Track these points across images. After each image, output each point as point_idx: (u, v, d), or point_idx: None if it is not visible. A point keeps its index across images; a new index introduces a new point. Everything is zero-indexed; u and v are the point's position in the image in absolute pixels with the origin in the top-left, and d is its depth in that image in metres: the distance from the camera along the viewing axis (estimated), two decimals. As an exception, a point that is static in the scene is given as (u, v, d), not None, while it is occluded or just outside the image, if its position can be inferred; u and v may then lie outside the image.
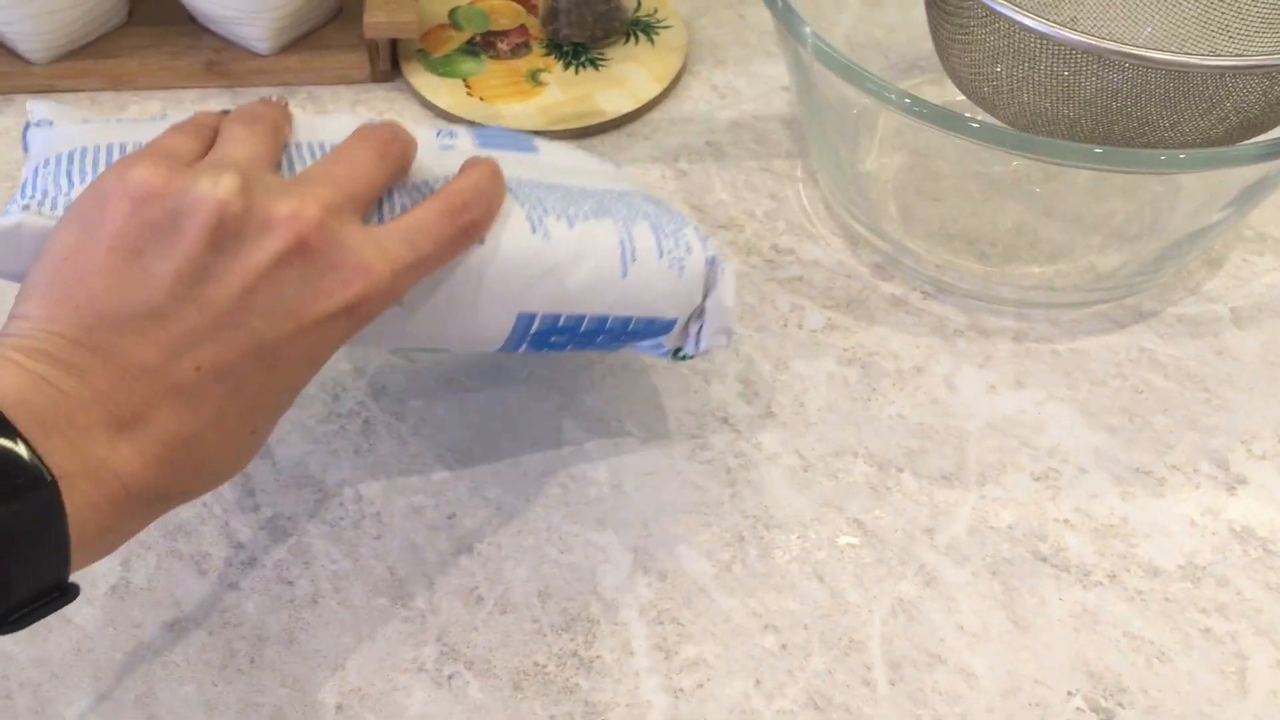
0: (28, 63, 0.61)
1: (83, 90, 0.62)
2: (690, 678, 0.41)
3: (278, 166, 0.37)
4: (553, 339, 0.41)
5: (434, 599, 0.43)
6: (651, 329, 0.42)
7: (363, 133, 0.39)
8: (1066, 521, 0.46)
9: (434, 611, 0.43)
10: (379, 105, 0.62)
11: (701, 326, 0.43)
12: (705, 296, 0.43)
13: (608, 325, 0.41)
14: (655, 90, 0.62)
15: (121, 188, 0.34)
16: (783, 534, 0.45)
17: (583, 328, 0.41)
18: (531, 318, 0.40)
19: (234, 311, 0.33)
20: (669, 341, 0.43)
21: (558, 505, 0.46)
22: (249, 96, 0.62)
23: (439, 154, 0.41)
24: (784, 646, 0.42)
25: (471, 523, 0.45)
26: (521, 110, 0.61)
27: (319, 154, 0.39)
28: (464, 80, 0.62)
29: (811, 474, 0.47)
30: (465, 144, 0.43)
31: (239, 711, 0.40)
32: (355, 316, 0.35)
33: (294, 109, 0.41)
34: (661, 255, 0.41)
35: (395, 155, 0.38)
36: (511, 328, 0.40)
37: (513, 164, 0.42)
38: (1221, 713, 0.41)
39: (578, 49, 0.64)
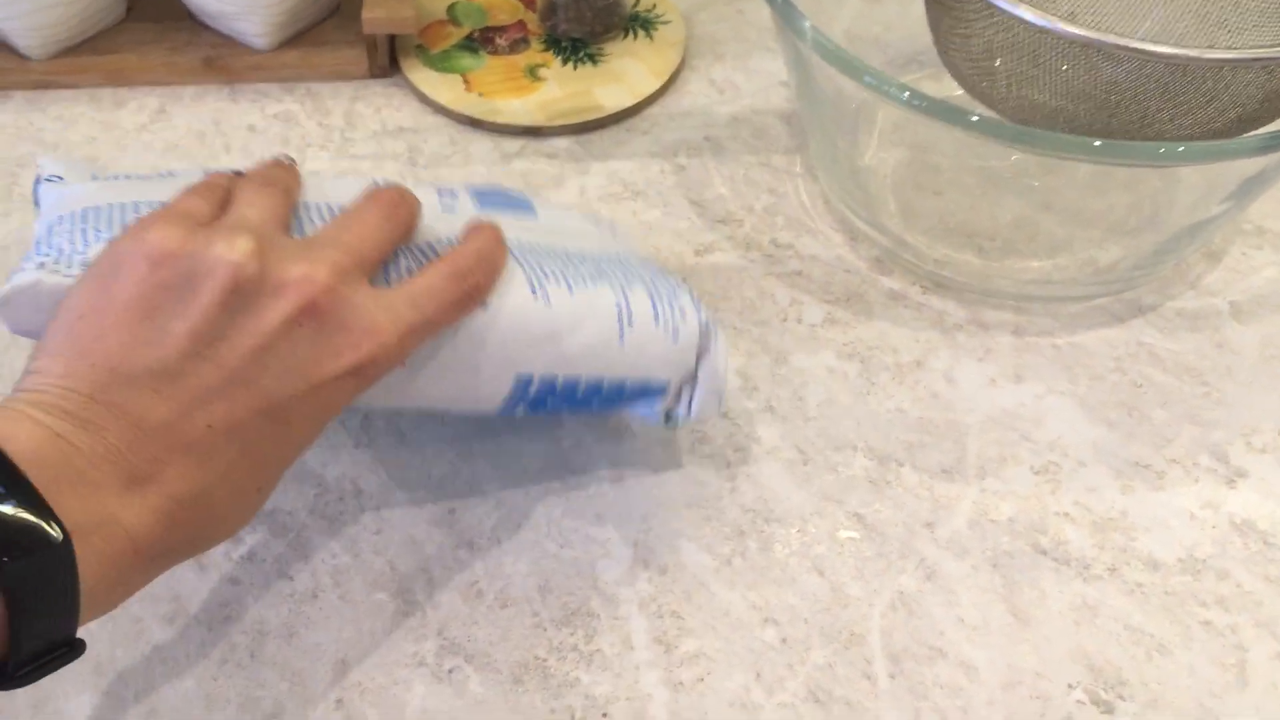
0: (26, 59, 0.61)
1: (81, 86, 0.62)
2: (690, 671, 0.41)
3: (288, 228, 0.38)
4: (549, 401, 0.42)
5: (434, 593, 0.43)
6: (645, 392, 0.43)
7: (371, 196, 0.39)
8: (1066, 515, 0.46)
9: (434, 606, 0.43)
10: (377, 101, 0.62)
11: (694, 391, 0.43)
12: (698, 362, 0.43)
13: (603, 389, 0.42)
14: (654, 85, 0.62)
15: (139, 248, 0.34)
16: (782, 528, 0.45)
17: (579, 391, 0.42)
18: (529, 379, 0.41)
19: (246, 370, 0.34)
20: (661, 405, 0.44)
21: (558, 500, 0.46)
22: (248, 94, 0.62)
23: (441, 216, 0.42)
24: (784, 640, 0.42)
25: (471, 517, 0.45)
26: (520, 105, 0.61)
27: (328, 215, 0.40)
28: (462, 76, 0.62)
29: (811, 468, 0.47)
30: (466, 206, 0.44)
31: (239, 706, 0.40)
32: (363, 377, 0.36)
33: (303, 171, 0.42)
34: (658, 320, 0.42)
35: (402, 218, 0.39)
36: (510, 389, 0.41)
37: (513, 227, 0.43)
38: (1222, 705, 0.41)
39: (576, 44, 0.64)
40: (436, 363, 0.39)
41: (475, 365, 0.40)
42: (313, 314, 0.34)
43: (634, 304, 0.42)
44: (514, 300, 0.40)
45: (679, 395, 0.44)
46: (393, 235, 0.38)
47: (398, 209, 0.39)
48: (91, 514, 0.31)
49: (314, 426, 0.36)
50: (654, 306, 0.42)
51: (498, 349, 0.40)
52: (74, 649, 0.31)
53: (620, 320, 0.41)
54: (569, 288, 0.41)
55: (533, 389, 0.41)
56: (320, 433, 0.37)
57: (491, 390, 0.41)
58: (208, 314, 0.33)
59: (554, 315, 0.40)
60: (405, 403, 0.40)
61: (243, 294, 0.34)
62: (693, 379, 0.43)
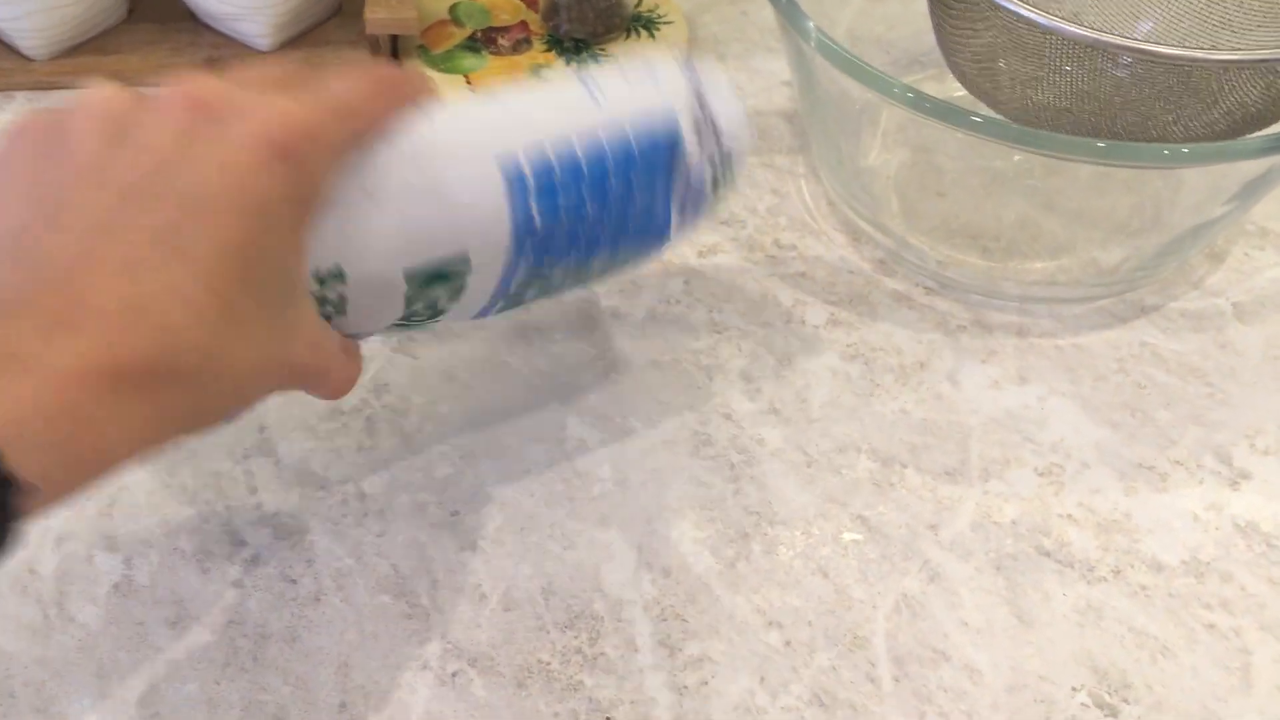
0: (28, 60, 0.61)
1: (83, 88, 0.62)
2: (694, 675, 0.41)
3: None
4: (561, 193, 0.37)
5: (437, 596, 0.43)
6: (657, 147, 0.38)
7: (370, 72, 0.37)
8: (1070, 517, 0.46)
9: (437, 609, 0.43)
10: (379, 102, 0.62)
11: (715, 122, 0.39)
12: (700, 99, 0.39)
13: (607, 152, 0.37)
14: (656, 86, 0.62)
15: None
16: (786, 530, 0.45)
17: (584, 165, 0.37)
18: (516, 162, 0.36)
19: (145, 183, 0.31)
20: (691, 163, 0.39)
21: (561, 502, 0.46)
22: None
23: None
24: (788, 643, 0.42)
25: (475, 520, 0.45)
26: (522, 106, 0.61)
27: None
28: (465, 76, 0.62)
29: (815, 470, 0.47)
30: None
31: (242, 710, 0.40)
32: (285, 156, 0.32)
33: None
34: (624, 74, 0.39)
35: (390, 99, 0.37)
36: (504, 183, 0.36)
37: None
38: (1226, 708, 0.41)
39: (579, 45, 0.64)
40: (399, 181, 0.35)
41: (441, 172, 0.36)
42: (200, 108, 0.32)
43: (597, 77, 0.39)
44: (466, 105, 0.37)
45: (700, 140, 0.39)
46: (370, 111, 0.36)
47: (396, 87, 0.36)
48: None
49: (253, 221, 0.32)
50: (617, 70, 0.39)
51: (459, 140, 0.36)
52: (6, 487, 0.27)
53: (585, 85, 0.38)
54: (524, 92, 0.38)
55: (529, 173, 0.36)
56: (273, 234, 0.33)
57: (482, 193, 0.36)
58: (87, 149, 0.32)
59: (507, 101, 0.37)
60: (396, 261, 0.36)
61: (121, 122, 0.32)
62: (702, 108, 0.39)
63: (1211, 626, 0.43)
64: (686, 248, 0.55)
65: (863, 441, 0.48)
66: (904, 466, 0.47)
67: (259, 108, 0.33)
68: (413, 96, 0.37)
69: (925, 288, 0.54)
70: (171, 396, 0.30)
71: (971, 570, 0.44)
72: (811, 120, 0.56)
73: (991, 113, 0.52)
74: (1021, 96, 0.51)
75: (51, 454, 0.28)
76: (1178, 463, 0.48)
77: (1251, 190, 0.49)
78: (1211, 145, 0.48)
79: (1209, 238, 0.53)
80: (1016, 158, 0.56)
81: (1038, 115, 0.51)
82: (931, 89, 0.47)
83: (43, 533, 0.45)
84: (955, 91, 0.56)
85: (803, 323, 0.52)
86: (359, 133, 0.36)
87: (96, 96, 0.33)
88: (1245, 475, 0.47)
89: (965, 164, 0.57)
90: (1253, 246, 0.56)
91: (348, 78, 0.36)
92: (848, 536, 0.45)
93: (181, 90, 0.33)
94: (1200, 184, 0.53)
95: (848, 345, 0.51)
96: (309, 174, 0.33)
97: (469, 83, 0.62)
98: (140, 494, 0.46)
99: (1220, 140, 0.50)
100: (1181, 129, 0.50)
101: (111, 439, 0.29)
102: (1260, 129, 0.50)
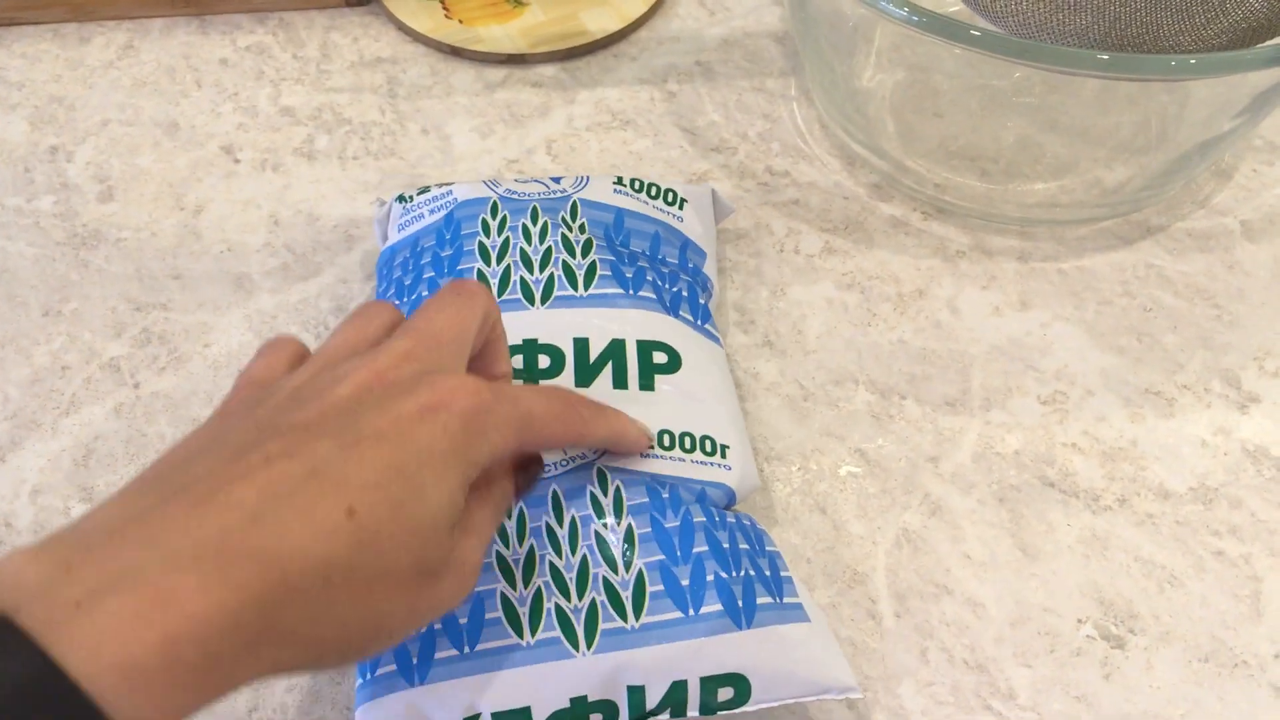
0: (-15, -5, 0.59)
1: (45, 23, 0.60)
2: (691, 615, 0.40)
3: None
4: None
5: (425, 541, 0.42)
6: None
7: (445, 286, 0.35)
8: (1074, 445, 0.45)
9: (426, 554, 0.42)
10: (353, 31, 0.60)
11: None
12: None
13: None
14: (642, 8, 0.60)
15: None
16: (783, 465, 0.44)
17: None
18: None
19: (302, 424, 0.29)
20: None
21: (550, 442, 0.44)
22: (218, 25, 0.60)
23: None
24: (786, 581, 0.41)
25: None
26: (502, 32, 0.58)
27: None
28: (441, 2, 0.60)
29: (811, 403, 0.46)
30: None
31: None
32: (450, 419, 0.29)
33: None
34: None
35: (480, 303, 0.34)
36: None
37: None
38: (1236, 637, 0.40)
39: (559, -33, 0.61)
40: None
41: None
42: (380, 380, 0.30)
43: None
44: None
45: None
46: (470, 319, 0.33)
47: (468, 294, 0.34)
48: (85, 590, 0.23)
49: (410, 459, 0.29)
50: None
51: None
52: None
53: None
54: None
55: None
56: (435, 487, 0.29)
57: None
58: (265, 405, 0.30)
59: None
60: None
61: (304, 389, 0.30)
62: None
63: (1220, 554, 0.42)
64: (676, 176, 0.53)
65: (860, 373, 0.47)
66: (903, 398, 0.46)
67: (443, 381, 0.30)
68: (589, 434, 0.35)
69: (923, 212, 0.52)
70: (309, 630, 0.26)
71: (973, 503, 0.43)
72: (804, 41, 0.54)
73: (991, 27, 0.50)
74: (1021, 11, 0.49)
75: (162, 700, 0.24)
76: (1185, 387, 0.46)
77: (1261, 103, 0.47)
78: (1220, 55, 0.46)
79: (1216, 154, 0.51)
80: (1016, 75, 0.54)
81: (1038, 30, 0.49)
82: (927, 4, 0.45)
83: (17, 485, 0.43)
84: (951, 7, 0.54)
85: (796, 251, 0.51)
86: (534, 443, 0.33)
87: (318, 356, 0.32)
88: (1254, 398, 0.46)
89: (963, 83, 0.55)
90: (1261, 162, 0.54)
91: (547, 397, 0.33)
92: (846, 470, 0.44)
93: (368, 365, 0.31)
94: (1208, 98, 0.51)
95: (843, 274, 0.50)
96: (471, 431, 0.30)
97: (446, 8, 0.59)
98: (117, 443, 0.44)
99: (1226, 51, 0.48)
100: (1187, 40, 0.48)
101: (235, 679, 0.25)
102: (1268, 39, 0.48)
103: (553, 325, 0.42)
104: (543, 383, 0.39)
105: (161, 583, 0.24)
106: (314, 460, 0.27)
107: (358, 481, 0.28)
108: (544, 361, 0.41)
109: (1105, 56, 0.43)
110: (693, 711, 0.35)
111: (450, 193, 0.46)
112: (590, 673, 0.34)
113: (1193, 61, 0.43)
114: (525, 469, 0.37)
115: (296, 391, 0.30)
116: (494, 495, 0.33)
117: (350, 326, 0.34)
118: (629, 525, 0.36)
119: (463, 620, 0.35)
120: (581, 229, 0.44)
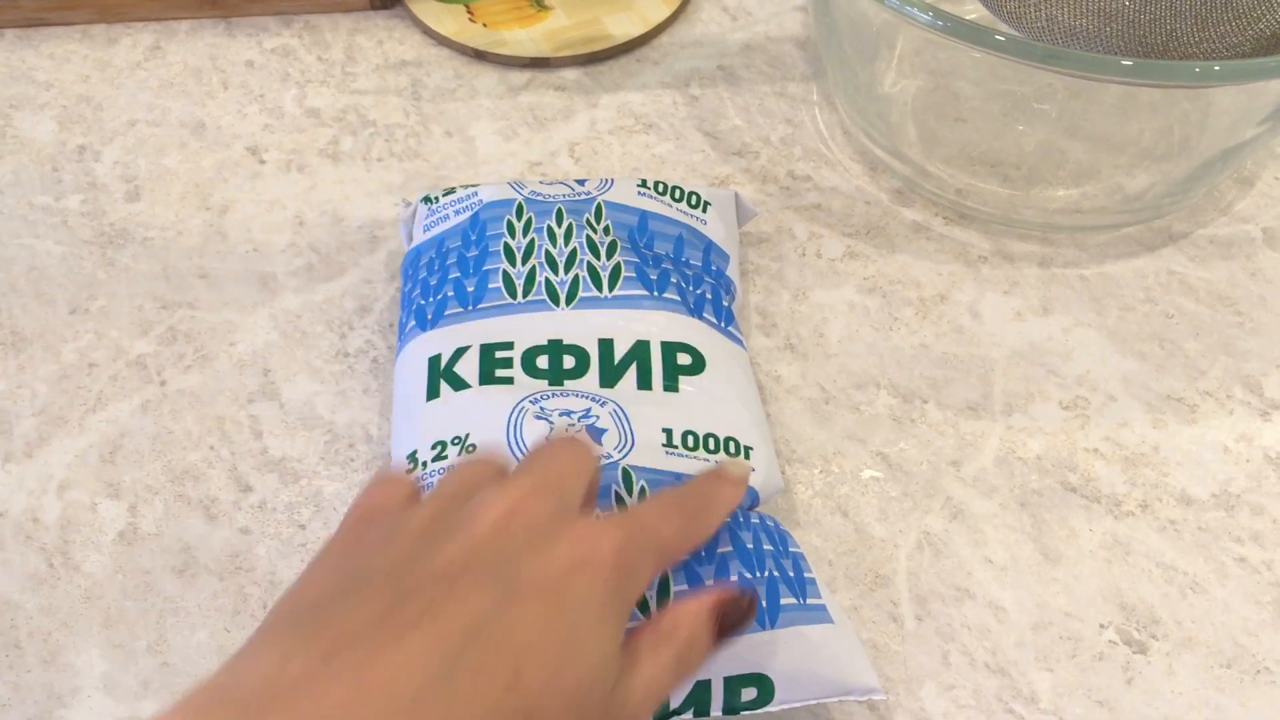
0: (15, -4, 0.59)
1: (73, 23, 0.60)
2: (713, 616, 0.40)
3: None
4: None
5: (449, 540, 0.42)
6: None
7: (553, 438, 0.34)
8: (1096, 451, 0.45)
9: (449, 553, 0.42)
10: (378, 34, 0.60)
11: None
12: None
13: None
14: (664, 13, 0.60)
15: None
16: (805, 468, 0.44)
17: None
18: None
19: (445, 573, 0.28)
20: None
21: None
22: (244, 27, 0.60)
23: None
24: (808, 583, 0.41)
25: (485, 462, 0.44)
26: (526, 36, 0.59)
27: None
28: (466, 6, 0.60)
29: (833, 406, 0.46)
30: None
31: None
32: (591, 571, 0.29)
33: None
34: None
35: (588, 451, 0.34)
36: None
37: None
38: (1258, 643, 0.40)
39: (583, -29, 0.61)
40: None
41: None
42: (515, 517, 0.29)
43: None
44: None
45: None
46: (587, 466, 0.33)
47: (580, 444, 0.33)
48: None
49: (563, 624, 0.28)
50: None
51: None
52: None
53: None
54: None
55: None
56: (586, 639, 0.28)
57: None
58: (398, 543, 0.29)
59: None
60: None
61: (434, 525, 0.30)
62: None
63: (1242, 560, 0.42)
64: (698, 180, 0.54)
65: (882, 377, 0.47)
66: (925, 402, 0.46)
67: (572, 530, 0.30)
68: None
69: (944, 217, 0.52)
70: None
71: (995, 507, 0.43)
72: (826, 46, 0.54)
73: (1014, 33, 0.50)
74: (1045, 16, 0.49)
75: None
76: (1207, 394, 0.46)
77: (1285, 110, 0.47)
78: (1246, 63, 0.46)
79: (1238, 162, 0.51)
80: (1038, 81, 0.54)
81: (1062, 37, 0.49)
82: (950, 10, 0.45)
83: (45, 481, 0.44)
84: (973, 14, 0.54)
85: (818, 255, 0.51)
86: (671, 564, 0.34)
87: (438, 491, 0.31)
88: (1276, 405, 0.46)
89: (985, 88, 0.55)
90: (1283, 170, 0.54)
91: (661, 513, 0.33)
92: (867, 474, 0.44)
93: (513, 495, 0.30)
94: (1231, 105, 0.51)
95: (865, 278, 0.50)
96: (630, 579, 0.30)
97: (470, 12, 0.60)
98: (143, 440, 0.45)
99: (1250, 58, 0.48)
100: (1209, 49, 0.48)
101: None
102: (1293, 47, 0.48)
103: (578, 326, 0.42)
104: (660, 493, 0.36)
105: None
106: (469, 618, 0.26)
107: (518, 643, 0.26)
108: (569, 362, 0.41)
109: (1129, 62, 0.43)
110: (716, 711, 0.35)
111: (476, 194, 0.46)
112: None
113: (1217, 68, 0.43)
114: (723, 608, 0.32)
115: (428, 528, 0.29)
116: (675, 641, 0.31)
117: (464, 468, 0.33)
118: None
119: None
120: (606, 231, 0.45)
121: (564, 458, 0.32)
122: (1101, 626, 0.40)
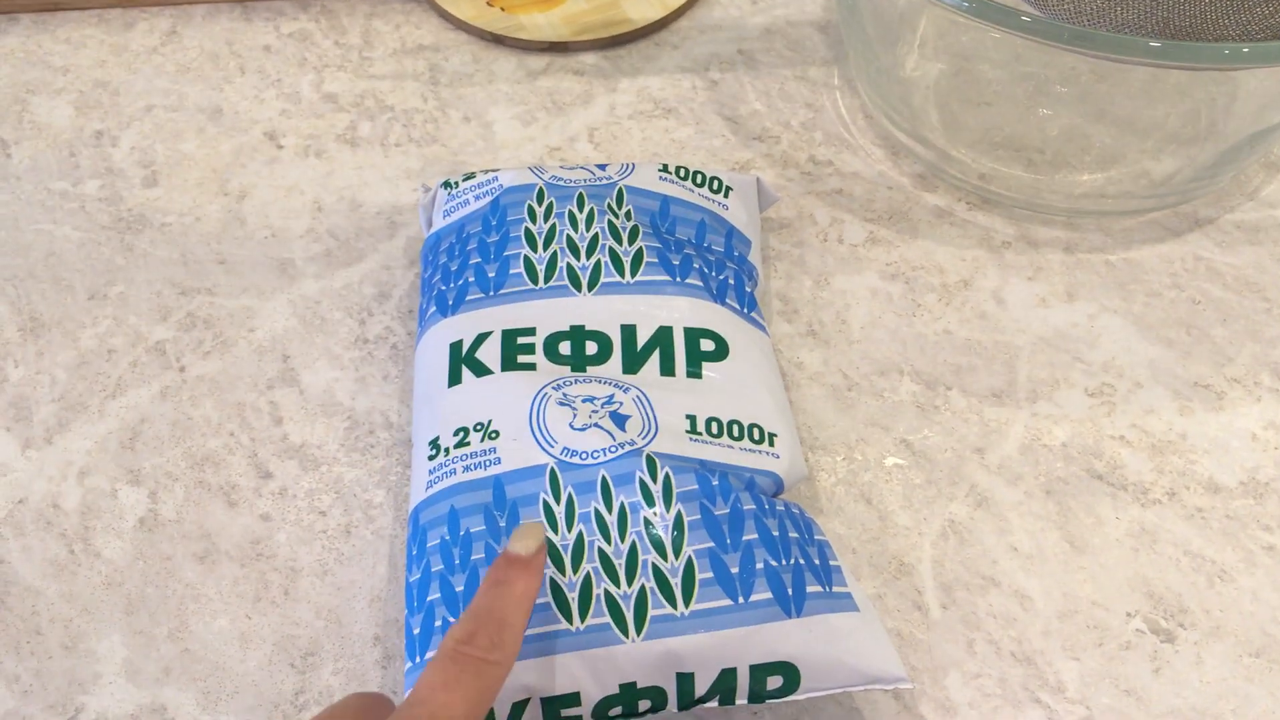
0: (31, -20, 0.59)
1: (90, 8, 0.60)
2: (736, 604, 0.40)
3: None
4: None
5: (470, 527, 0.42)
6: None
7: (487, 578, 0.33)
8: (1122, 438, 0.44)
9: (470, 540, 0.42)
10: (395, 18, 0.60)
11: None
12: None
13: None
14: (683, -4, 0.59)
15: None
16: (828, 456, 0.44)
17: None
18: None
19: None
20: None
21: (594, 429, 0.44)
22: (261, 11, 0.60)
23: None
24: (831, 571, 0.41)
25: (506, 449, 0.44)
26: (544, 20, 0.58)
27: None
28: (484, -10, 0.60)
29: (856, 393, 0.45)
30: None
31: (274, 644, 0.39)
32: None
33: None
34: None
35: (521, 590, 0.33)
36: None
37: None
38: (1287, 632, 0.39)
39: (601, -46, 0.61)
40: None
41: None
42: None
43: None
44: None
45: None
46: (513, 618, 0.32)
47: (514, 582, 0.32)
48: None
49: None
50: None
51: None
52: None
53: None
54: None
55: None
56: None
57: None
58: None
59: None
60: None
61: None
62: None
63: (1271, 548, 0.41)
64: (718, 165, 0.53)
65: (905, 363, 0.46)
66: (949, 389, 0.46)
67: None
68: None
69: (968, 202, 0.52)
70: None
71: (1020, 494, 0.43)
72: (848, 29, 0.54)
73: (1039, 14, 0.50)
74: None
75: None
76: (1234, 380, 0.46)
77: (1315, 93, 0.46)
78: (1273, 44, 0.45)
79: (1266, 147, 0.51)
80: (1063, 64, 0.54)
81: (1088, 19, 0.48)
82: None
83: (64, 467, 0.43)
84: (998, -5, 0.53)
85: (840, 241, 0.50)
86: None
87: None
88: (1305, 393, 0.45)
89: (1009, 72, 0.55)
90: (1311, 154, 0.54)
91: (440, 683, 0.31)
92: (891, 461, 0.44)
93: None
94: (1258, 89, 0.50)
95: (888, 264, 0.49)
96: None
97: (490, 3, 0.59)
98: (163, 426, 0.45)
99: (1276, 39, 0.47)
100: (1237, 32, 0.47)
101: None
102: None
103: (600, 312, 0.42)
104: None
105: None
106: None
107: None
108: (591, 348, 0.41)
109: (1157, 44, 0.43)
110: (741, 699, 0.34)
111: (496, 179, 0.46)
112: (640, 659, 0.34)
113: (1245, 50, 0.43)
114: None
115: None
116: None
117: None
118: (678, 512, 0.36)
119: None
120: (628, 216, 0.44)
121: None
122: (1128, 615, 0.40)
